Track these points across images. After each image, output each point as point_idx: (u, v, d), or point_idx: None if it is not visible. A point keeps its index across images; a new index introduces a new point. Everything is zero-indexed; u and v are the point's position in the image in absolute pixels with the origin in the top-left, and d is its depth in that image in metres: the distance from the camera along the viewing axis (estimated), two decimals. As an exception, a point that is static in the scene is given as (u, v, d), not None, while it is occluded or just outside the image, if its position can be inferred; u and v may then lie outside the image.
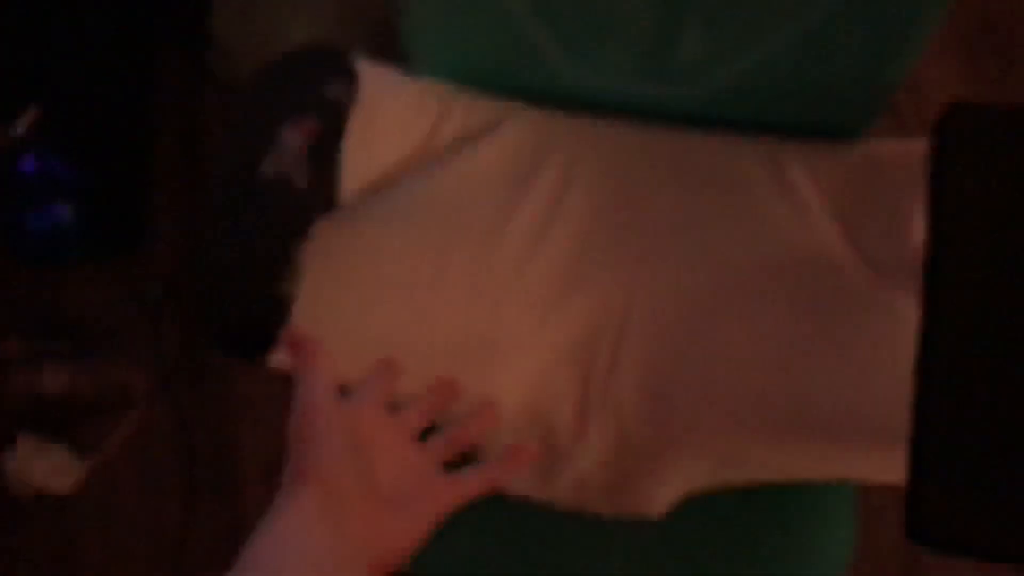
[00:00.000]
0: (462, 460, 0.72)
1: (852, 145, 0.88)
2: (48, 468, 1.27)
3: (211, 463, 1.31)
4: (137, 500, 1.31)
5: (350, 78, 0.80)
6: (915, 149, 0.83)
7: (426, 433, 0.62)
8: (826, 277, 0.80)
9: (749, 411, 0.76)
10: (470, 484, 0.60)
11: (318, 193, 0.74)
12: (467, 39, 0.90)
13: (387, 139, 0.87)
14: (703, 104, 0.91)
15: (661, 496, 0.78)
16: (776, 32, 0.84)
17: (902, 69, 0.82)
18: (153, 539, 1.29)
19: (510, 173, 0.88)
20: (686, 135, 0.90)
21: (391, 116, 0.88)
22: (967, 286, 0.68)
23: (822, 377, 0.76)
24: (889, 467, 0.73)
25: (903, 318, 0.78)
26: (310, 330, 0.75)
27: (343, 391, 0.57)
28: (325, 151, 0.75)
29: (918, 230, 0.80)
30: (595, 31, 0.89)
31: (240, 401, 1.33)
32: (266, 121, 0.73)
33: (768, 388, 0.76)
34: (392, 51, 0.92)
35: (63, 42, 1.38)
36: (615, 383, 0.78)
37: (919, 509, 0.63)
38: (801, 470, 0.75)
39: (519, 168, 0.88)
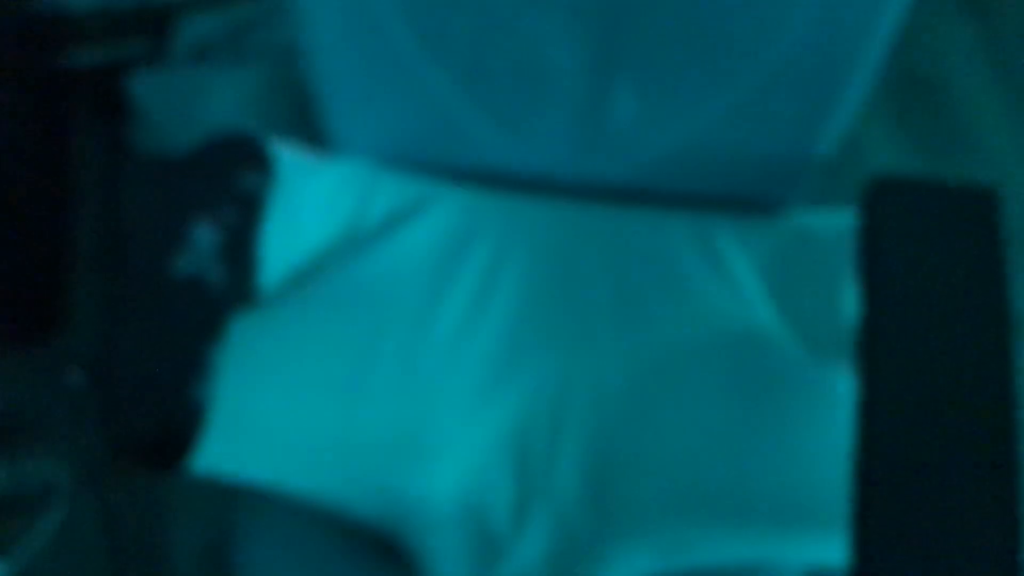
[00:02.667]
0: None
1: (782, 216, 0.88)
2: (-36, 572, 1.22)
3: (140, 560, 1.26)
4: (62, 602, 1.27)
5: (266, 166, 0.79)
6: (844, 220, 0.85)
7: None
8: (762, 356, 0.80)
9: (692, 497, 0.75)
10: None
11: (233, 290, 0.73)
12: (390, 117, 0.89)
13: (308, 225, 0.86)
14: (635, 177, 0.91)
15: (605, 586, 0.76)
16: (706, 101, 0.85)
17: (832, 142, 0.83)
18: (78, 646, 1.24)
19: (438, 256, 0.87)
20: (617, 211, 0.91)
21: (311, 201, 0.87)
22: (902, 361, 0.69)
23: (763, 459, 0.76)
24: (834, 549, 0.73)
25: (840, 394, 0.78)
26: (232, 432, 0.74)
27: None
28: (240, 246, 0.74)
29: (851, 305, 0.81)
30: (525, 101, 0.89)
31: (169, 491, 1.29)
32: (177, 217, 0.72)
33: (709, 473, 0.76)
34: (320, 122, 0.92)
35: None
36: (553, 473, 0.77)
37: None
38: (746, 554, 0.75)
39: (448, 251, 0.87)
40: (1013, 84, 1.68)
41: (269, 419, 0.77)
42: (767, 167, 0.86)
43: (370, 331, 0.82)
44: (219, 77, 1.46)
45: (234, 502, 0.88)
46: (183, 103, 1.46)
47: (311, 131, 0.91)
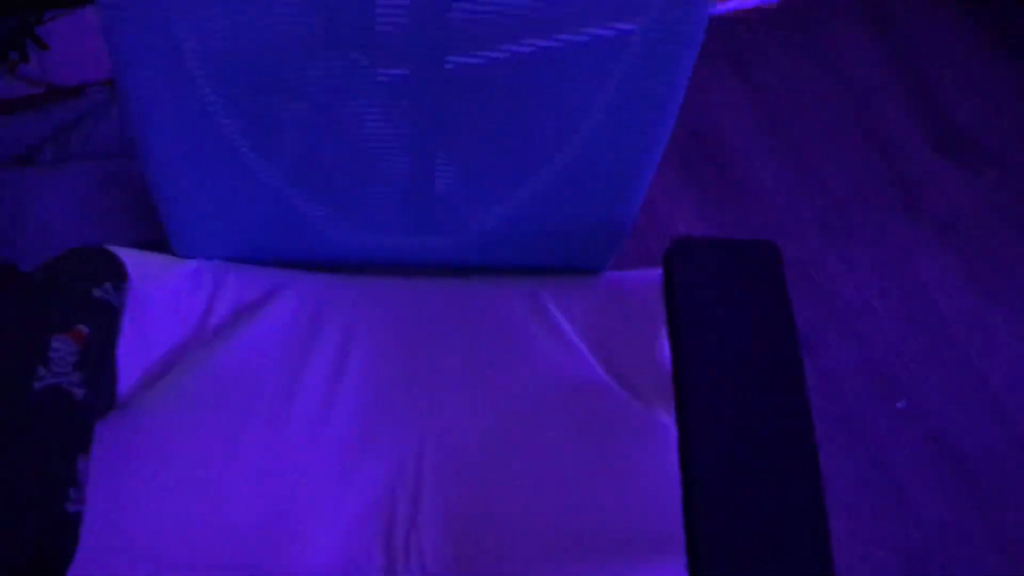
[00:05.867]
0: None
1: (599, 276, 0.94)
2: None
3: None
4: None
5: (119, 274, 0.78)
6: (652, 276, 0.91)
7: None
8: (596, 405, 0.85)
9: (547, 541, 0.78)
10: None
11: (95, 400, 0.71)
12: (230, 214, 0.90)
13: (161, 326, 0.86)
14: (466, 252, 0.95)
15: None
16: (520, 181, 0.89)
17: (635, 207, 0.89)
18: None
19: (290, 342, 0.88)
20: (455, 283, 0.94)
21: (163, 302, 0.86)
22: (711, 398, 0.75)
23: (608, 499, 0.80)
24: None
25: (668, 433, 0.84)
26: (106, 539, 0.72)
27: None
28: (98, 355, 0.73)
29: (665, 350, 0.87)
30: (356, 190, 0.90)
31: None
32: (35, 333, 0.70)
33: (561, 517, 0.79)
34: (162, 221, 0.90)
35: None
36: (417, 535, 0.79)
37: None
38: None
39: (299, 336, 0.88)
40: (776, 133, 1.84)
41: (140, 516, 0.76)
42: (582, 238, 0.92)
43: (230, 423, 0.82)
44: (44, 178, 1.41)
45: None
46: (10, 206, 1.40)
47: (143, 225, 0.90)
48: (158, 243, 0.89)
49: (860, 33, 1.98)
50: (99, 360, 0.73)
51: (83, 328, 0.71)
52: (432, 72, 0.78)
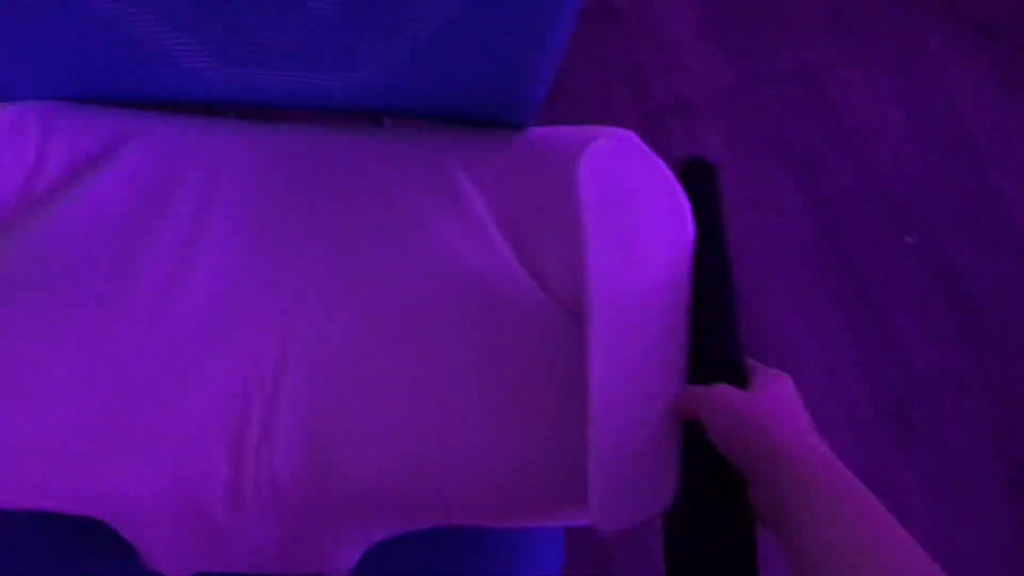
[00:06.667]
0: None
1: (520, 135, 0.76)
2: None
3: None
4: None
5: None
6: (579, 135, 0.74)
7: None
8: (497, 300, 0.69)
9: (419, 460, 0.66)
10: None
11: None
12: (57, 50, 0.71)
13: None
14: (369, 92, 0.76)
15: (345, 554, 0.68)
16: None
17: (560, 39, 0.70)
18: None
19: (135, 205, 0.72)
20: (345, 136, 0.76)
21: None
22: None
23: (499, 415, 0.66)
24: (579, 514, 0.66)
25: (573, 340, 0.68)
26: None
27: None
28: None
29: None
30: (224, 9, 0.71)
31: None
32: None
33: (441, 435, 0.66)
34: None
35: None
36: (270, 445, 0.66)
37: None
38: (488, 521, 0.67)
39: (146, 198, 0.73)
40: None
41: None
42: (500, 77, 0.73)
43: (56, 309, 0.68)
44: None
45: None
46: None
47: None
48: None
49: None
50: None
51: None
52: None
